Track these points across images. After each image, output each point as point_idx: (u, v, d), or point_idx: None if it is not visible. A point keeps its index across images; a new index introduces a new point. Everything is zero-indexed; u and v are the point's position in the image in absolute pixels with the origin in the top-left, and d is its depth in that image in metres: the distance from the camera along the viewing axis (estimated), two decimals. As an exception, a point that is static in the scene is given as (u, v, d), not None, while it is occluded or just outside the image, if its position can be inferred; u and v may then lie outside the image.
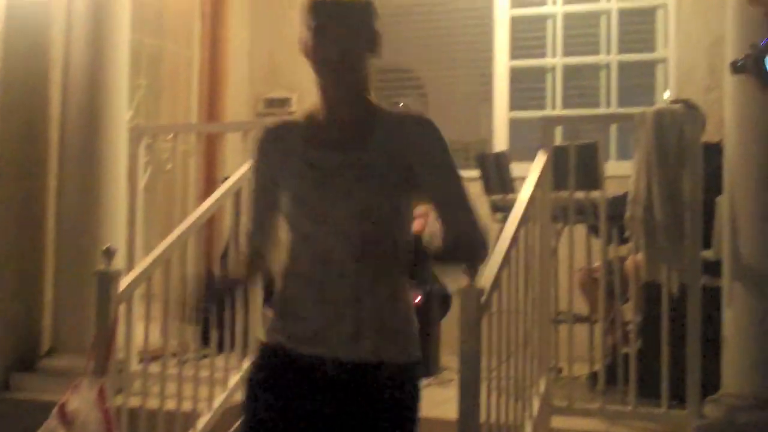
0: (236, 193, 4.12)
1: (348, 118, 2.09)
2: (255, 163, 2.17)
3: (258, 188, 2.16)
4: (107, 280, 3.37)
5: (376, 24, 2.10)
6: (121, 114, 4.72)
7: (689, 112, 3.82)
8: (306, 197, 2.04)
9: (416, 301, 5.06)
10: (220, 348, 4.11)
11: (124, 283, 3.50)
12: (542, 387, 3.72)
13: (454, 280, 2.96)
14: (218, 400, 3.92)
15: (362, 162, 2.03)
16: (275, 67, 6.82)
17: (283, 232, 2.11)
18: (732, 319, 3.62)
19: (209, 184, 5.33)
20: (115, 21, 4.63)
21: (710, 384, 3.67)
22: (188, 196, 4.80)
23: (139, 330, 3.87)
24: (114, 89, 4.65)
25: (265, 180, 2.12)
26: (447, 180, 2.09)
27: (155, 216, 4.87)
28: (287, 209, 2.07)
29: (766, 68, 3.14)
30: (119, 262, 3.91)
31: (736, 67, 3.27)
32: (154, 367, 3.81)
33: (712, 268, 3.89)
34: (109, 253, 3.38)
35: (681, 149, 3.70)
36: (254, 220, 2.17)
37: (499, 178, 4.92)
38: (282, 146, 2.11)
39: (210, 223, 4.38)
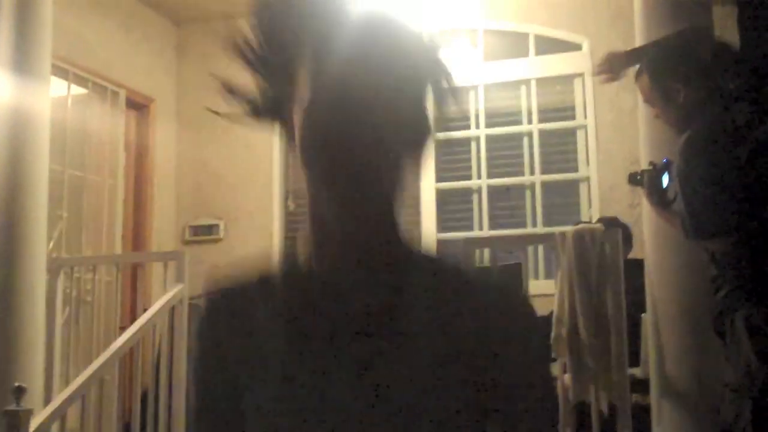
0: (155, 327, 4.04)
1: (373, 266, 1.16)
2: (201, 359, 1.25)
3: (208, 402, 1.23)
4: (16, 420, 3.22)
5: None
6: (39, 246, 4.60)
7: (609, 231, 3.86)
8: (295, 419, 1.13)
9: None
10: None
11: (36, 422, 3.35)
12: None
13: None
14: None
15: (401, 351, 1.13)
16: (202, 195, 6.81)
17: None
18: (662, 437, 3.59)
19: (133, 315, 5.21)
20: (33, 151, 4.56)
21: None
22: (111, 329, 4.66)
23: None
24: (32, 220, 4.54)
25: (220, 388, 1.21)
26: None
27: (77, 350, 4.70)
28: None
29: (662, 186, 3.22)
30: (37, 399, 3.76)
31: (634, 180, 3.37)
32: None
33: (642, 386, 3.87)
34: (18, 392, 3.24)
35: (602, 268, 3.72)
36: None
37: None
38: (245, 326, 1.20)
39: (131, 358, 4.25)
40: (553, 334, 3.71)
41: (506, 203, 6.40)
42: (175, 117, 6.87)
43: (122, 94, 6.10)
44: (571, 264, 3.69)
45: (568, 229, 3.79)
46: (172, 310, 4.15)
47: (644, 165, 3.81)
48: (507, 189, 6.40)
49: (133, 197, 6.19)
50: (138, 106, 6.37)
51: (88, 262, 4.98)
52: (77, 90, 5.77)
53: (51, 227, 5.14)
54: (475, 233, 6.14)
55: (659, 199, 3.24)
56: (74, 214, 5.58)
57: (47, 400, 4.03)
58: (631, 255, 5.06)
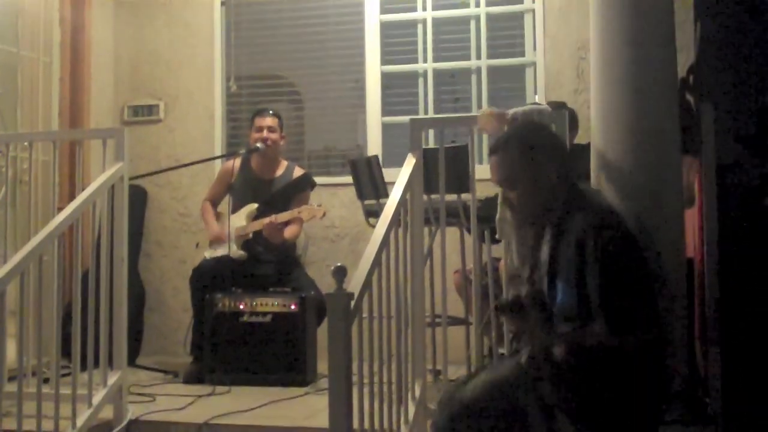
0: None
1: None
2: None
3: None
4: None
5: None
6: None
7: (557, 112, 3.83)
8: None
9: (291, 307, 4.98)
10: (84, 364, 3.92)
11: (-27, 299, 3.29)
12: (417, 391, 3.67)
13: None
14: (82, 418, 3.73)
15: None
16: (140, 74, 6.64)
17: None
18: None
19: (71, 196, 5.11)
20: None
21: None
22: (49, 209, 4.57)
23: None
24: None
25: None
26: None
27: (15, 231, 4.61)
28: None
29: None
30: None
31: None
32: (11, 386, 3.61)
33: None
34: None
35: (549, 149, 3.70)
36: None
37: (371, 183, 4.86)
38: None
39: (71, 238, 4.18)
40: (498, 216, 3.71)
41: (451, 87, 6.36)
42: (112, -6, 6.65)
43: (55, -33, 5.85)
44: (518, 145, 3.67)
45: (517, 109, 3.76)
46: (112, 188, 4.06)
47: (593, 52, 3.77)
48: (452, 76, 6.35)
49: (70, 76, 5.99)
50: (72, -19, 6.12)
51: (24, 138, 4.84)
52: (8, -38, 5.52)
53: (-17, 105, 5.00)
54: (421, 116, 6.09)
55: None
56: (9, 92, 5.40)
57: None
58: (576, 140, 5.08)
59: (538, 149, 2.90)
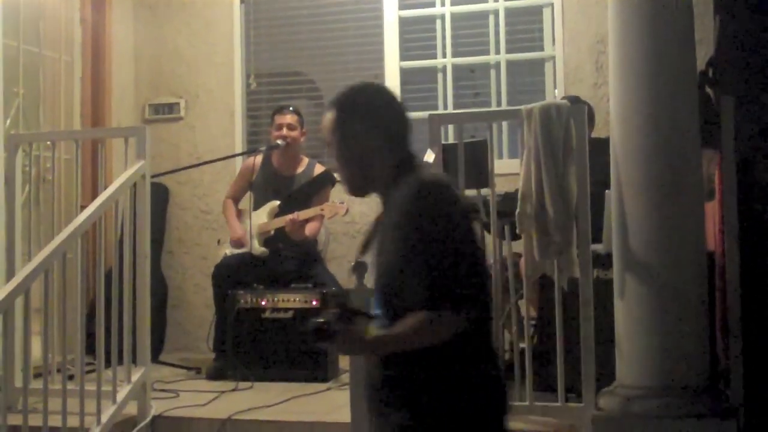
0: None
1: None
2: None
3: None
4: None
5: None
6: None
7: (575, 106, 3.84)
8: None
9: (313, 303, 5.01)
10: (108, 361, 3.96)
11: (-1, 296, 3.33)
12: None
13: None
14: (106, 414, 3.76)
15: None
16: (161, 72, 6.68)
17: None
18: (623, 310, 3.64)
19: (94, 194, 5.16)
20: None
21: (606, 375, 3.69)
22: (72, 207, 4.61)
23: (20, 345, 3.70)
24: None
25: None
26: None
27: (38, 230, 4.65)
28: None
29: None
30: (-1, 280, 3.73)
31: None
32: (36, 383, 3.65)
33: (604, 261, 3.93)
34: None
35: (568, 144, 3.71)
36: None
37: (391, 179, 4.86)
38: None
39: (94, 236, 4.22)
40: (518, 211, 3.72)
41: (471, 82, 6.36)
42: (132, -7, 6.70)
43: (76, -33, 5.90)
44: (537, 140, 3.68)
45: (535, 105, 3.76)
46: (134, 186, 4.10)
47: (612, 46, 3.77)
48: (472, 71, 6.35)
49: (91, 74, 6.04)
50: (93, -20, 6.16)
51: (46, 137, 4.88)
52: (30, -37, 5.56)
53: (7, 105, 5.04)
54: (439, 112, 6.09)
55: None
56: (31, 91, 5.45)
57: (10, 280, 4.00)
58: (593, 134, 5.07)
59: (357, 112, 2.31)
